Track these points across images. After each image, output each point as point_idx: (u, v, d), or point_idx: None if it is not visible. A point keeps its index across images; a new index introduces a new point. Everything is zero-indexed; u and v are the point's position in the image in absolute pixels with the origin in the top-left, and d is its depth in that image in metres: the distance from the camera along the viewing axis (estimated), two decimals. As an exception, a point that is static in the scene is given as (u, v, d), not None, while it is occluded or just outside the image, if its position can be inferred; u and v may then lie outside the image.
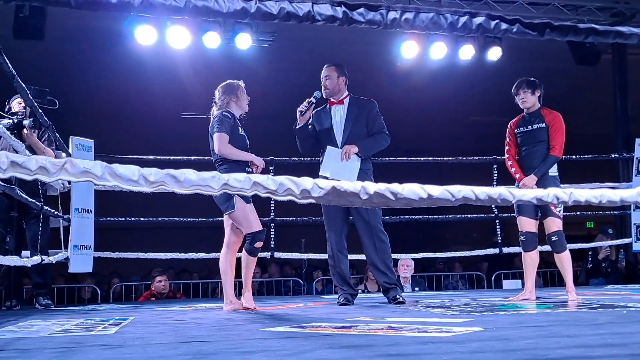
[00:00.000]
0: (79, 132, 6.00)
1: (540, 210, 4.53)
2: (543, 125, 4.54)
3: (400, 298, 4.41)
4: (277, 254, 6.87)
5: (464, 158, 7.52)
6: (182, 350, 2.26)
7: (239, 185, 1.59)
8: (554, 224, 4.48)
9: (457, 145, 11.85)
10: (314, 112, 4.68)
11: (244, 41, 7.56)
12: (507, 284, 7.48)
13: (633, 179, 7.19)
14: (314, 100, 4.49)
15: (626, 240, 7.48)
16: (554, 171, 4.54)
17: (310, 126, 4.66)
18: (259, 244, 4.04)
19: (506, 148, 4.75)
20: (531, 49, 8.85)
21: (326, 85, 4.64)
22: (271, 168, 6.69)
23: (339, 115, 4.62)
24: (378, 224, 4.54)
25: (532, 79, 4.67)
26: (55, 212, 5.41)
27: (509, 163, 4.69)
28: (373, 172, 4.64)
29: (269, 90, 8.17)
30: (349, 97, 4.67)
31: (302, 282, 8.00)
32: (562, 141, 4.51)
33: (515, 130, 4.68)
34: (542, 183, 4.37)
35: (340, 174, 4.34)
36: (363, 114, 4.61)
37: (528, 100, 4.61)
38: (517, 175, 4.59)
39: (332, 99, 4.66)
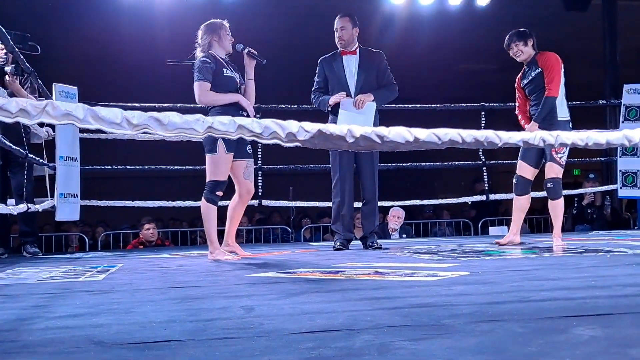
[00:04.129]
0: (62, 80, 5.86)
1: (544, 155, 4.51)
2: (539, 70, 4.45)
3: (377, 244, 4.65)
4: (265, 202, 6.88)
5: (452, 105, 7.49)
6: (170, 295, 2.27)
7: (223, 129, 1.57)
8: (552, 170, 4.44)
9: (446, 92, 11.78)
10: (323, 60, 4.79)
11: (230, -14, 7.39)
12: (493, 230, 7.55)
13: (620, 126, 7.20)
14: (252, 51, 4.16)
15: (612, 187, 7.55)
16: (564, 115, 4.46)
17: (318, 78, 4.81)
18: (220, 193, 4.01)
19: (516, 104, 4.69)
20: (521, -5, 8.73)
21: (342, 36, 4.72)
22: (258, 115, 6.63)
23: (352, 64, 4.72)
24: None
25: (522, 29, 4.55)
26: (40, 160, 5.36)
27: (519, 117, 4.65)
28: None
29: (256, 37, 8.02)
30: (359, 47, 4.78)
31: (290, 230, 8.04)
32: (557, 80, 4.39)
33: (521, 84, 4.61)
34: (551, 128, 4.27)
35: (357, 121, 4.42)
36: (374, 64, 4.75)
37: (523, 51, 4.51)
38: (522, 122, 4.57)
39: (344, 50, 4.74)
